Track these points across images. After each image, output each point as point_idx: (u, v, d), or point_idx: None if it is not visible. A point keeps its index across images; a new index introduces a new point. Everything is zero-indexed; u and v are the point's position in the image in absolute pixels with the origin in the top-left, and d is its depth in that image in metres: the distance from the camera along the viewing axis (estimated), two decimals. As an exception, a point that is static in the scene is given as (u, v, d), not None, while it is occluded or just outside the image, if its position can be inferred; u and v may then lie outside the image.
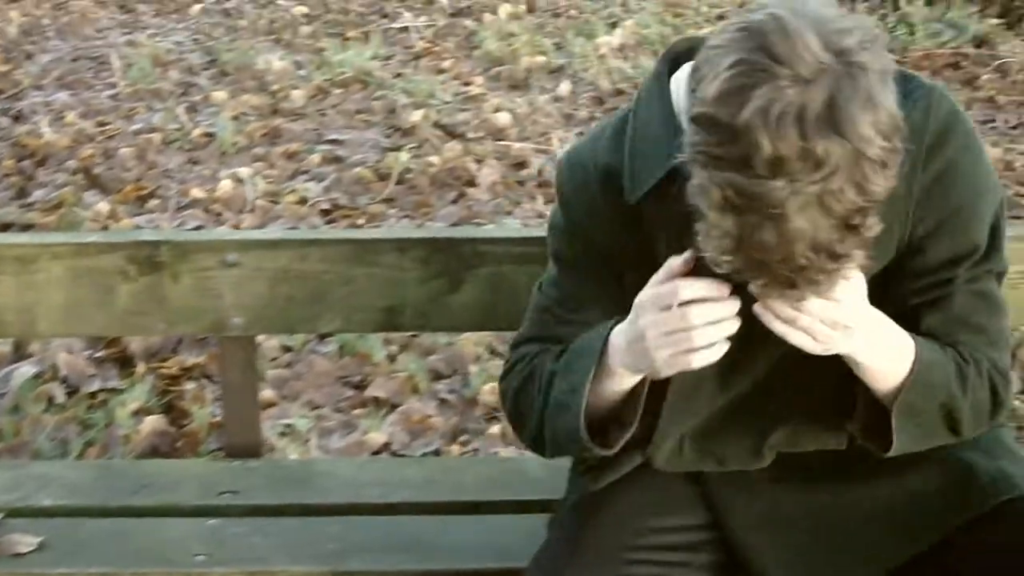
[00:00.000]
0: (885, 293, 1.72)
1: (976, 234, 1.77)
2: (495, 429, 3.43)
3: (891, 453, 1.74)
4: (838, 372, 1.76)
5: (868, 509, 1.88)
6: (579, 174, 1.84)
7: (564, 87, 6.00)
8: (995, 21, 7.24)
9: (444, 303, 2.24)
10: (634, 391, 1.77)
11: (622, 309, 1.75)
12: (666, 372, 1.69)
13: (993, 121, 5.59)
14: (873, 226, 1.50)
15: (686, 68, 1.75)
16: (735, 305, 1.63)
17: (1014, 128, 5.56)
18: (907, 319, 1.74)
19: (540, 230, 2.27)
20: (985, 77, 6.07)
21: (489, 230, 2.27)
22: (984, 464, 1.85)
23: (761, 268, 1.51)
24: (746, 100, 1.43)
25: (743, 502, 1.89)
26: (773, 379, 1.82)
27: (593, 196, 1.81)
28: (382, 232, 2.27)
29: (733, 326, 1.64)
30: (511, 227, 2.32)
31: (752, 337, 1.72)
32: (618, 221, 1.79)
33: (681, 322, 1.62)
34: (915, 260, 1.76)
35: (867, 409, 1.77)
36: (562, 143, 5.25)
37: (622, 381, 1.76)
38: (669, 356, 1.65)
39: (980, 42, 6.80)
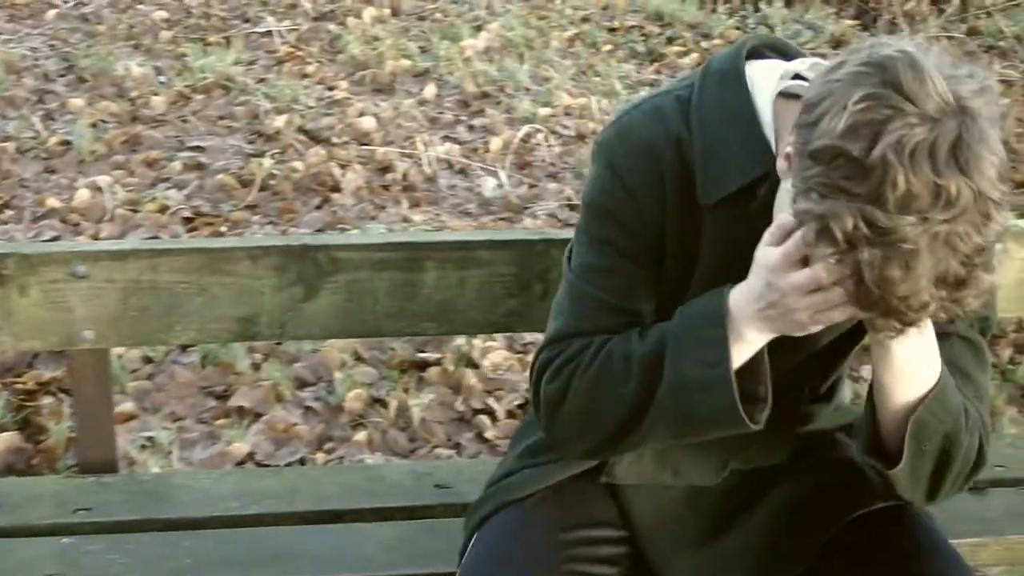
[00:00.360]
0: None
1: None
2: (361, 436, 3.42)
3: (898, 469, 1.72)
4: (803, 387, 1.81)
5: (772, 521, 1.90)
6: (645, 154, 1.74)
7: (429, 90, 5.99)
8: (850, 22, 7.43)
9: (301, 311, 2.22)
10: (755, 360, 1.70)
11: (664, 297, 1.75)
12: (811, 329, 1.61)
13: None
14: (991, 266, 1.48)
15: (761, 67, 1.74)
16: None
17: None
18: None
19: (399, 235, 2.26)
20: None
21: (345, 236, 2.25)
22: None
23: (877, 303, 1.48)
24: (879, 134, 1.41)
25: (659, 521, 1.90)
26: None
27: (662, 178, 1.73)
28: (235, 241, 2.23)
29: None
30: (369, 232, 2.30)
31: None
32: (684, 208, 1.73)
33: (820, 279, 1.54)
34: None
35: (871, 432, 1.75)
36: (427, 146, 5.25)
37: (749, 347, 1.67)
38: (813, 315, 1.58)
39: (837, 43, 6.96)
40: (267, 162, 5.00)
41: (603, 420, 1.75)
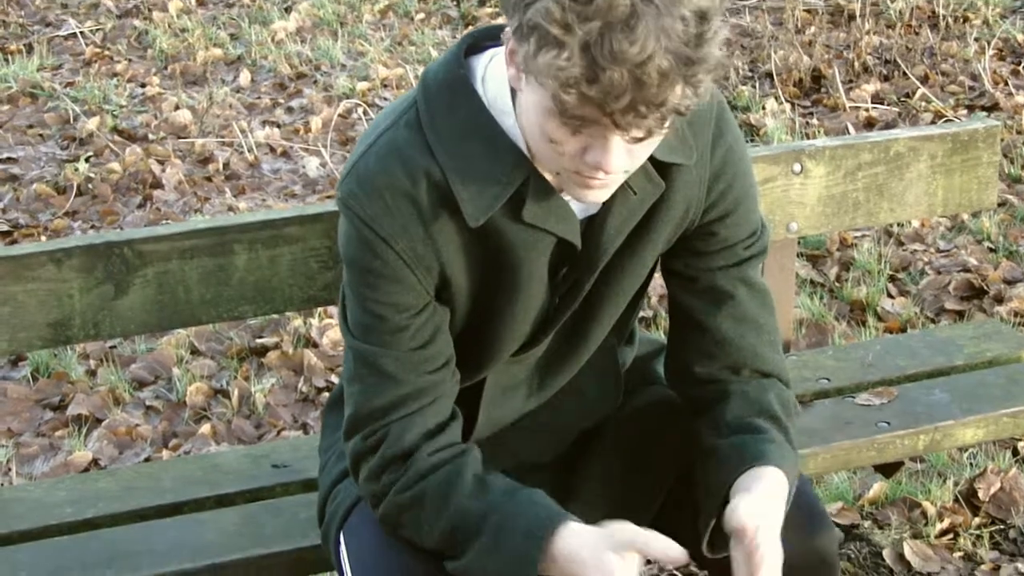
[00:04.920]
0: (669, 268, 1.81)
1: (755, 217, 1.83)
2: (205, 428, 3.39)
3: None
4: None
5: (611, 486, 1.93)
6: (393, 198, 1.63)
7: (244, 77, 5.93)
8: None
9: (113, 309, 2.18)
10: None
11: (463, 311, 1.73)
12: None
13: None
14: (720, 32, 1.45)
15: (489, 59, 1.67)
16: None
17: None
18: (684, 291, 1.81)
19: (204, 222, 2.25)
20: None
21: (149, 229, 2.22)
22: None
23: (605, 96, 1.41)
24: None
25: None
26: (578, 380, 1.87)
27: (420, 215, 1.64)
28: (35, 246, 2.18)
29: None
30: (173, 225, 2.28)
31: (570, 338, 1.77)
32: (457, 232, 1.66)
33: None
34: (704, 240, 1.79)
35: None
36: (244, 134, 5.20)
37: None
38: None
39: None
40: (83, 166, 4.90)
41: (414, 535, 1.73)
